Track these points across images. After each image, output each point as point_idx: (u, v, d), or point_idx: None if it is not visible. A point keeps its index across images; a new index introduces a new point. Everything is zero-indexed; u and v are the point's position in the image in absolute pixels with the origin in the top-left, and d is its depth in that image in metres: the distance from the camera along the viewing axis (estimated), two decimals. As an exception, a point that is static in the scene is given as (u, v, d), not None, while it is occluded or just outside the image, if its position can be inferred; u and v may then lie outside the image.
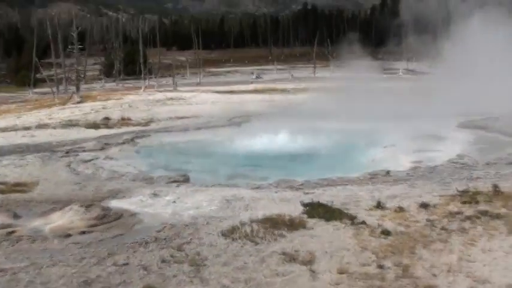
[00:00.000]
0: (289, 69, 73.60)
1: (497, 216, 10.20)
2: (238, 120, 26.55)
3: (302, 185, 13.66)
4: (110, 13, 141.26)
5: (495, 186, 12.00)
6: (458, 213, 10.51)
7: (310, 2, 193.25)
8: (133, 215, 11.17)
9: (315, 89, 42.37)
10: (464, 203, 11.11)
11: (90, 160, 17.72)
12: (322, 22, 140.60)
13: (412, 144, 19.24)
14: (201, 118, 28.32)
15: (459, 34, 34.11)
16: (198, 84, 58.73)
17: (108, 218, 10.95)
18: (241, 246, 9.16)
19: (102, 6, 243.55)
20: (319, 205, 11.10)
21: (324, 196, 12.12)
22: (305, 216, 10.57)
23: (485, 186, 12.47)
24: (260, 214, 10.78)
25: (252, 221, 10.31)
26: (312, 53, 79.20)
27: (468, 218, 10.20)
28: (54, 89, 48.54)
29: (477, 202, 11.11)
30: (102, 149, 19.81)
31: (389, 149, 19.01)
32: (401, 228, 9.77)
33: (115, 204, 12.04)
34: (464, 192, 11.82)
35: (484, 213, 10.40)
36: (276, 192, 12.81)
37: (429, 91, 30.39)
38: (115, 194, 12.98)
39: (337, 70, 72.28)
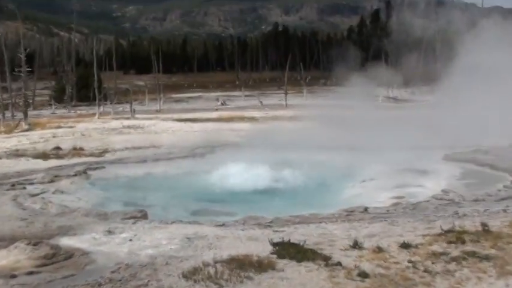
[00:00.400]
0: (258, 96, 73.86)
1: (486, 258, 10.24)
2: (202, 151, 26.54)
3: (271, 222, 13.64)
4: (62, 33, 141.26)
5: (484, 225, 12.08)
6: (443, 254, 10.53)
7: (281, 22, 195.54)
8: (85, 254, 11.02)
9: (286, 117, 42.60)
10: (449, 242, 11.14)
11: (38, 194, 17.55)
12: (294, 44, 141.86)
13: (392, 178, 19.41)
14: (161, 148, 28.24)
15: (446, 58, 34.73)
16: (158, 111, 58.63)
17: (57, 257, 10.79)
18: (205, 289, 9.09)
19: (53, 26, 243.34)
20: (290, 244, 11.05)
21: (296, 235, 12.08)
22: (274, 256, 10.52)
23: (472, 224, 12.53)
24: (225, 254, 10.71)
25: (216, 262, 10.23)
26: (283, 78, 79.65)
27: (454, 259, 10.23)
28: (0, 116, 48.06)
29: (464, 242, 11.14)
30: (51, 181, 19.64)
31: (368, 183, 19.15)
32: (381, 270, 9.76)
33: (65, 242, 11.86)
34: (449, 231, 11.86)
35: (472, 254, 10.43)
36: (242, 230, 12.77)
37: (412, 120, 30.81)
38: (65, 231, 12.82)
39: (310, 97, 73.03)
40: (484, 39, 31.62)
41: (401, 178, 19.37)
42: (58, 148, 28.13)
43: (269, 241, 11.29)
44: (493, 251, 10.60)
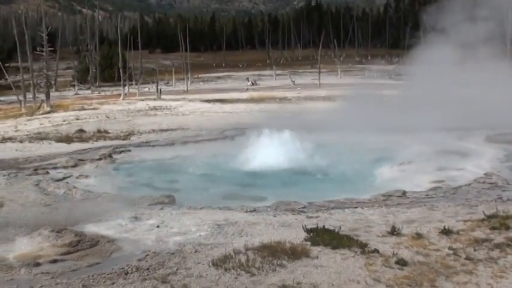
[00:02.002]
0: (290, 75, 73.55)
1: (531, 244, 10.20)
2: (232, 134, 26.53)
3: (305, 207, 13.67)
4: (85, 10, 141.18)
5: (528, 210, 12.03)
6: (485, 240, 10.50)
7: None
8: (111, 241, 11.15)
9: (320, 97, 42.46)
10: (492, 228, 11.10)
11: (62, 179, 17.72)
12: (327, 21, 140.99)
13: (432, 160, 19.27)
14: (189, 131, 28.32)
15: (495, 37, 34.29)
16: (185, 91, 58.76)
17: (82, 244, 10.91)
18: (235, 278, 9.14)
19: (76, 3, 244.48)
20: (325, 231, 11.07)
21: (330, 220, 12.12)
22: (308, 243, 10.55)
23: (517, 209, 12.47)
24: (256, 241, 10.77)
25: (247, 249, 10.29)
26: (317, 56, 79.35)
27: (497, 246, 10.19)
28: (21, 97, 48.41)
29: (508, 228, 11.09)
30: (75, 165, 19.78)
31: (406, 166, 19.02)
32: (420, 258, 9.75)
33: (90, 228, 12.01)
34: (492, 217, 11.81)
35: (516, 240, 10.40)
36: (274, 216, 12.81)
37: (453, 100, 30.49)
38: (90, 218, 12.96)
39: (345, 76, 72.73)
40: None
41: (442, 161, 19.20)
42: (82, 131, 28.35)
43: (303, 227, 11.34)
44: (538, 237, 10.53)
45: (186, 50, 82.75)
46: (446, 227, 11.15)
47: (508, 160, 19.54)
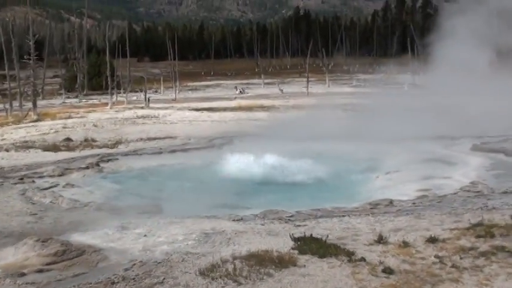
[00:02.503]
0: (278, 83, 73.70)
1: (516, 252, 10.27)
2: (220, 142, 26.57)
3: (292, 216, 13.69)
4: (73, 18, 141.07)
5: (513, 218, 12.10)
6: (471, 248, 10.56)
7: (302, 6, 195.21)
8: (97, 250, 11.13)
9: (308, 106, 42.54)
10: (478, 237, 11.16)
11: (48, 188, 17.65)
12: (316, 29, 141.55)
13: (418, 169, 19.38)
14: (177, 139, 28.31)
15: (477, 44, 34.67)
16: (174, 100, 58.76)
17: (68, 254, 10.88)
18: (222, 287, 9.16)
19: (64, 11, 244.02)
20: (312, 239, 11.11)
21: (318, 229, 12.15)
22: (296, 252, 10.58)
23: (502, 217, 12.52)
24: (244, 250, 10.79)
25: (234, 258, 10.30)
26: (305, 65, 79.54)
27: (482, 254, 10.25)
28: (7, 106, 48.29)
29: (493, 236, 11.15)
30: (62, 174, 19.74)
31: (393, 175, 19.13)
32: (406, 266, 9.80)
33: (77, 238, 11.99)
34: (478, 225, 11.87)
35: (501, 248, 10.44)
36: (262, 225, 12.84)
37: (438, 109, 30.71)
38: (77, 227, 12.94)
39: (333, 84, 72.94)
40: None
41: (428, 169, 19.32)
42: (69, 139, 28.30)
43: (290, 236, 11.36)
44: (523, 246, 10.61)
45: (174, 59, 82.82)
46: (433, 236, 11.21)
47: (493, 169, 19.68)
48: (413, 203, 14.90)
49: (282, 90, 65.61)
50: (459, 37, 36.30)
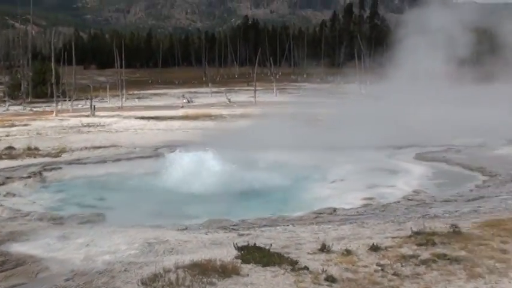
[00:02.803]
0: (226, 92, 73.82)
1: (456, 260, 10.40)
2: (165, 151, 26.46)
3: (237, 225, 13.70)
4: (17, 25, 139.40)
5: (454, 226, 12.26)
6: (412, 256, 10.67)
7: (250, 16, 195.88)
8: (38, 261, 10.95)
9: (256, 115, 42.66)
10: (419, 245, 11.29)
11: (-13, 197, 17.39)
12: (264, 39, 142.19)
13: (363, 178, 19.63)
14: (122, 148, 28.09)
15: (419, 55, 35.27)
16: (120, 108, 58.37)
17: (8, 264, 10.71)
18: (165, 297, 9.11)
19: (8, 17, 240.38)
20: (256, 248, 11.11)
21: (262, 238, 12.15)
22: (239, 261, 10.56)
23: (443, 226, 12.69)
24: (187, 259, 10.73)
25: (177, 267, 10.24)
26: (253, 74, 79.78)
27: (423, 262, 10.37)
28: None
29: (433, 244, 11.30)
30: (2, 183, 19.42)
31: (338, 183, 19.31)
32: (349, 274, 9.86)
33: (17, 248, 11.77)
34: (419, 233, 12.02)
35: (441, 256, 10.58)
36: (206, 234, 12.79)
37: (384, 118, 31.09)
38: (17, 237, 12.71)
39: (281, 94, 73.28)
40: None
41: (372, 178, 19.60)
42: (11, 148, 27.81)
43: (234, 245, 11.33)
44: (462, 253, 10.76)
45: (121, 67, 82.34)
46: (375, 244, 11.29)
47: (435, 178, 20.04)
48: (357, 212, 15.06)
49: (229, 100, 65.70)
50: (407, 47, 36.95)
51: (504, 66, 37.12)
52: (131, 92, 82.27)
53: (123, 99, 67.13)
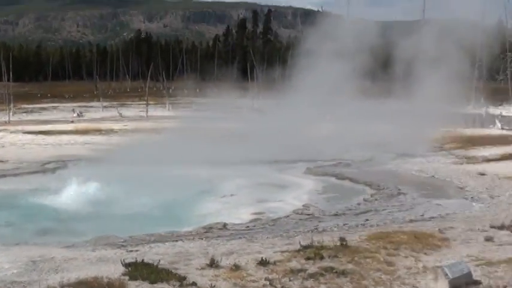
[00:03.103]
0: (117, 107, 72.95)
1: (343, 273, 10.60)
2: (53, 166, 25.99)
3: (125, 241, 13.57)
4: None
5: (342, 240, 12.48)
6: (300, 270, 10.79)
7: (144, 29, 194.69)
8: None
9: (147, 130, 42.38)
10: (307, 258, 11.42)
11: None
12: (157, 53, 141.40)
13: (253, 193, 19.81)
14: (8, 163, 27.37)
15: (309, 70, 35.91)
16: (7, 123, 56.77)
17: None
18: (47, 316, 8.89)
19: None
20: (144, 265, 10.99)
21: (150, 254, 12.05)
22: (126, 278, 10.41)
23: (331, 239, 12.89)
24: (73, 277, 10.50)
25: (62, 286, 10.01)
26: (145, 88, 79.18)
27: (311, 275, 10.51)
28: None
29: (322, 257, 11.46)
30: None
31: (228, 198, 19.38)
32: (237, 290, 9.89)
33: None
34: (308, 247, 12.17)
35: (329, 269, 10.75)
36: (93, 251, 12.58)
37: (275, 133, 31.44)
38: None
39: (173, 108, 73.03)
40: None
41: (262, 193, 19.80)
42: None
43: (121, 262, 11.18)
44: (350, 266, 10.98)
45: (8, 80, 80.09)
46: (264, 258, 11.35)
47: (325, 192, 20.41)
48: (247, 227, 15.16)
49: (121, 114, 64.96)
50: (301, 63, 37.57)
51: (398, 82, 38.33)
52: (19, 106, 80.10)
53: (11, 113, 65.30)
